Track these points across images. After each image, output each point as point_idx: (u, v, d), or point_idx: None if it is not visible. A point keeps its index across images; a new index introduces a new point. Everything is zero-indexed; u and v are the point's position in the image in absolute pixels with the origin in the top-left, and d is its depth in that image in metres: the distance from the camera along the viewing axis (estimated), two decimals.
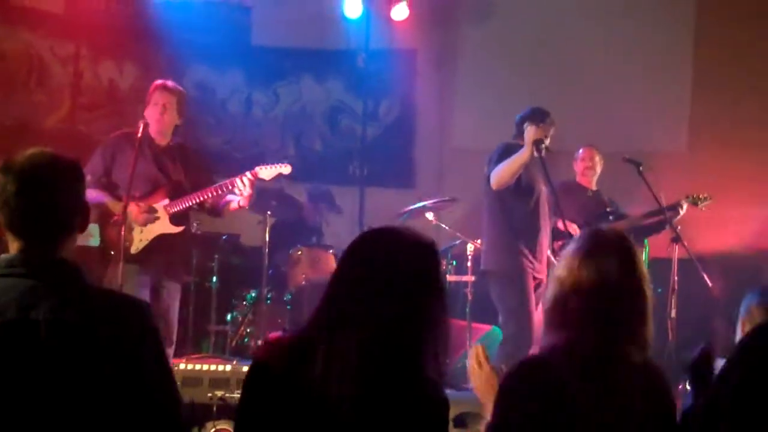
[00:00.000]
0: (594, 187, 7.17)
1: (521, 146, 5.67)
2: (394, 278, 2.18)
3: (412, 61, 9.43)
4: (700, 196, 6.76)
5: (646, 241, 7.43)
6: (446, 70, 9.38)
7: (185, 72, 9.26)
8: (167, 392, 2.05)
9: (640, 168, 6.47)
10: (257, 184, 5.44)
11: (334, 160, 9.46)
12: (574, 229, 6.70)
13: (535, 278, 5.78)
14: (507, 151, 5.71)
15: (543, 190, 5.88)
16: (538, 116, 5.72)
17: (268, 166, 5.55)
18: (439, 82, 9.43)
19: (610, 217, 6.99)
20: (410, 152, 9.57)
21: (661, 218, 6.62)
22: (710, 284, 6.47)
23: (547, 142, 5.69)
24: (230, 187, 5.47)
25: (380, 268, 2.20)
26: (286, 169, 5.59)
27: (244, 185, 5.42)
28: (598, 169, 7.12)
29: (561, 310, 2.37)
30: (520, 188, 5.77)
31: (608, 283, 2.34)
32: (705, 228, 6.89)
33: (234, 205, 5.64)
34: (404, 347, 2.14)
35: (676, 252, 6.57)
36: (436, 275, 2.26)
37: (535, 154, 5.59)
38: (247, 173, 5.47)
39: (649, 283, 2.44)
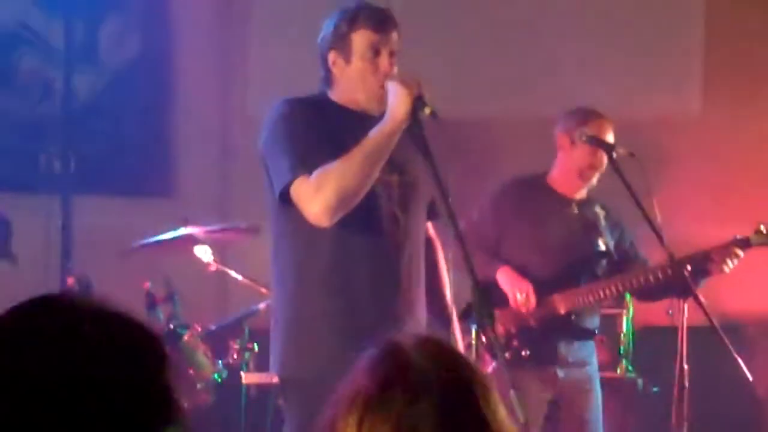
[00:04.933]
0: (583, 195, 5.40)
1: (330, 101, 3.90)
2: (75, 403, 1.47)
3: None
4: None
5: (628, 296, 5.95)
6: None
7: None
8: None
9: (613, 155, 5.19)
10: None
11: (10, 141, 6.88)
12: (522, 296, 5.16)
13: None
14: (296, 123, 3.78)
15: (398, 186, 4.00)
16: (371, 19, 3.78)
17: None
18: None
19: (603, 263, 5.36)
20: (165, 127, 7.13)
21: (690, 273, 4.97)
22: (750, 377, 4.95)
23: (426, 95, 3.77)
24: None
25: (48, 381, 1.48)
26: None
27: None
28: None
29: None
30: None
31: None
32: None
33: None
34: None
35: (685, 315, 5.03)
36: (157, 405, 1.51)
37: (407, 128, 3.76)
38: None
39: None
